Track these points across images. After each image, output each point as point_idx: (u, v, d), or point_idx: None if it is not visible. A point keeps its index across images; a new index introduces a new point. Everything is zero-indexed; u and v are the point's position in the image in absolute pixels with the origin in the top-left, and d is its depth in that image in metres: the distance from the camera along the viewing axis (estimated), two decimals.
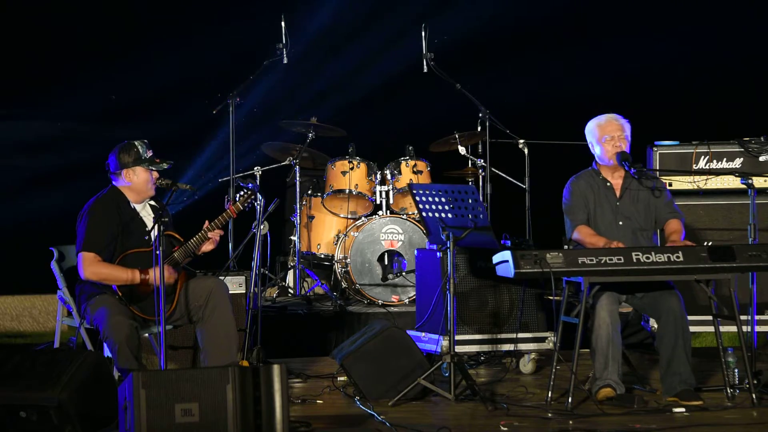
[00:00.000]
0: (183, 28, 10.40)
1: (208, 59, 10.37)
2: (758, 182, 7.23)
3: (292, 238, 9.21)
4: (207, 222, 6.49)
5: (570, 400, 6.08)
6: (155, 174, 6.47)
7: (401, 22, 10.21)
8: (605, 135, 6.61)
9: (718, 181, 7.65)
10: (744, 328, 6.31)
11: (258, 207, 6.71)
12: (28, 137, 10.39)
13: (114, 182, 6.52)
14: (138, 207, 6.51)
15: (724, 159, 7.70)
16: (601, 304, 6.24)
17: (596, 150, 6.68)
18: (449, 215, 6.44)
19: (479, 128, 9.25)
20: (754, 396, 6.17)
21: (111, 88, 10.33)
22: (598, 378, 6.23)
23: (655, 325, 6.50)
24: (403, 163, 9.07)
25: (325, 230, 9.19)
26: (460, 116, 9.50)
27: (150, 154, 6.47)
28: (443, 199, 6.42)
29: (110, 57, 10.31)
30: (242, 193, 6.60)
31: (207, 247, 6.50)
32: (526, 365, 7.31)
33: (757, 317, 6.78)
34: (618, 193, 6.66)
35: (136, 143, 6.47)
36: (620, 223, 6.62)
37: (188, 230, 6.62)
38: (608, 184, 6.67)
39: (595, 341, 6.24)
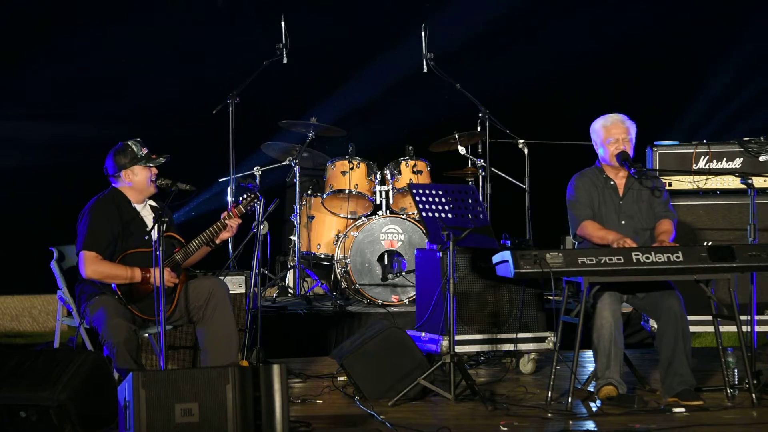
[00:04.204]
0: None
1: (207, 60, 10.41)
2: (758, 182, 7.23)
3: (292, 238, 9.21)
4: (225, 213, 6.51)
5: (570, 400, 6.08)
6: (154, 170, 6.49)
7: (401, 22, 10.21)
8: (610, 138, 6.59)
9: (718, 181, 7.65)
10: (744, 328, 6.31)
11: (258, 207, 6.71)
12: (29, 137, 10.40)
13: (114, 184, 6.52)
14: (138, 207, 6.52)
15: (724, 159, 7.69)
16: (604, 304, 6.23)
17: (599, 151, 6.67)
18: (449, 215, 6.44)
19: (479, 128, 9.25)
20: (754, 396, 6.17)
21: (112, 89, 10.35)
22: (600, 377, 6.22)
23: (655, 325, 6.50)
24: (403, 163, 9.08)
25: (324, 230, 9.19)
26: (460, 116, 9.51)
27: (145, 151, 6.48)
28: (443, 199, 6.42)
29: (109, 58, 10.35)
30: (245, 196, 6.62)
31: (224, 235, 6.52)
32: (526, 365, 7.31)
33: (757, 317, 6.78)
34: (621, 192, 6.65)
35: (129, 143, 6.48)
36: (623, 222, 6.61)
37: (188, 231, 6.62)
38: (611, 182, 6.66)
39: (597, 340, 6.23)
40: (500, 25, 10.67)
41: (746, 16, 10.61)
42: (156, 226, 5.97)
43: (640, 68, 10.70)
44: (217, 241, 6.53)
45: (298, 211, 9.09)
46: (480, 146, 9.33)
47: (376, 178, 9.09)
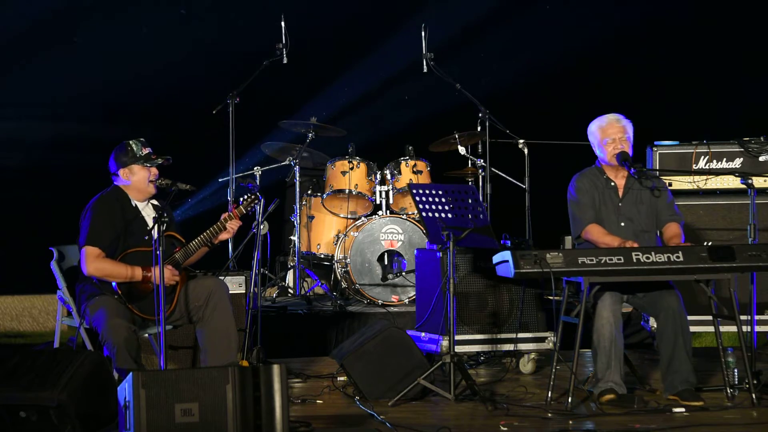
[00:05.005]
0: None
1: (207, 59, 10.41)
2: (758, 182, 7.22)
3: (292, 238, 9.21)
4: (226, 214, 6.52)
5: (570, 400, 6.08)
6: (153, 170, 6.49)
7: (401, 22, 10.22)
8: (607, 138, 6.58)
9: (718, 181, 7.65)
10: (744, 328, 6.31)
11: (258, 207, 6.72)
12: (29, 137, 10.40)
13: (115, 182, 6.54)
14: (140, 206, 6.52)
15: (724, 159, 7.69)
16: (604, 304, 6.23)
17: (598, 152, 6.66)
18: (449, 215, 6.44)
19: (479, 128, 9.25)
20: (754, 396, 6.17)
21: (110, 88, 10.35)
22: (600, 379, 6.21)
23: (655, 325, 6.50)
24: (403, 163, 9.08)
25: (324, 230, 9.19)
26: (460, 116, 9.51)
27: (146, 151, 6.49)
28: (443, 199, 6.42)
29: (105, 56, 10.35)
30: (246, 197, 6.63)
31: (223, 236, 6.53)
32: (526, 365, 7.31)
33: (757, 317, 6.78)
34: (621, 193, 6.64)
35: (131, 142, 6.50)
36: (622, 224, 6.60)
37: (188, 230, 6.62)
38: (612, 183, 6.65)
39: (597, 341, 6.23)
40: (500, 24, 10.68)
41: (746, 15, 10.61)
42: (156, 226, 5.98)
43: (640, 68, 10.70)
44: (216, 242, 6.54)
45: (298, 211, 9.09)
46: (480, 146, 9.33)
47: (376, 178, 9.09)
